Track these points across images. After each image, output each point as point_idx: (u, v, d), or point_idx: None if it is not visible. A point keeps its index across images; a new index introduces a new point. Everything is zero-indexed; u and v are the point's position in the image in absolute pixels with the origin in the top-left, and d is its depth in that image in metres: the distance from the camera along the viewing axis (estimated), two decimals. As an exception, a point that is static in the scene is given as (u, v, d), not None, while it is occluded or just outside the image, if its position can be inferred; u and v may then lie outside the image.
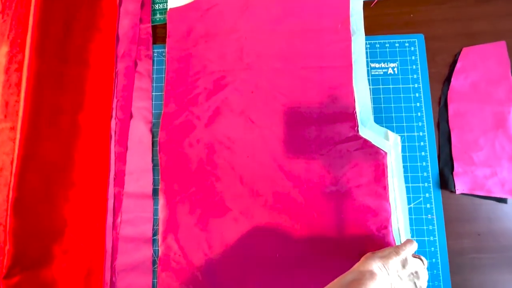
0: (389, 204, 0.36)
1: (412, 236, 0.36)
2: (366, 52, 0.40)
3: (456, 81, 0.39)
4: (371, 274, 0.26)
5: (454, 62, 0.39)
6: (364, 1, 0.42)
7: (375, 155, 0.37)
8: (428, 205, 0.37)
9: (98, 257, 0.38)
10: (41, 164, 0.39)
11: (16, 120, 0.42)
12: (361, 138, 0.37)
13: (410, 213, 0.37)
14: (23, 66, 0.40)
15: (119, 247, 0.38)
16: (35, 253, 0.38)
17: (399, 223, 0.36)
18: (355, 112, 0.38)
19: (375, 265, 0.27)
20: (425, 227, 0.36)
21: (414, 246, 0.30)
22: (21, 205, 0.38)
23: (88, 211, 0.39)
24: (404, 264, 0.28)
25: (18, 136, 0.39)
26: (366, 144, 0.37)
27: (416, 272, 0.28)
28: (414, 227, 0.36)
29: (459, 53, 0.40)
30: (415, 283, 0.28)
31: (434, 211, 0.37)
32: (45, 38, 0.41)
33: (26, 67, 0.40)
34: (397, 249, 0.29)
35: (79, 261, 0.38)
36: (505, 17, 0.40)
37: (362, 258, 0.29)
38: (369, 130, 0.38)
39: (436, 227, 0.36)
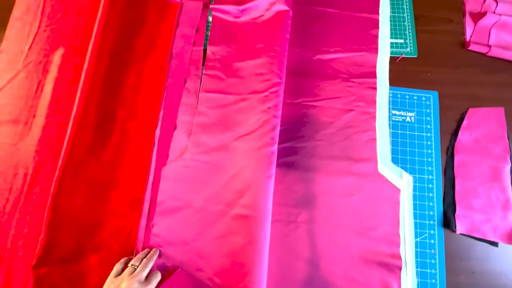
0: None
1: (416, 267, 0.41)
2: (389, 100, 0.47)
3: (462, 136, 0.46)
4: None
5: (461, 119, 0.46)
6: (390, 56, 0.48)
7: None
8: (432, 241, 0.42)
9: (127, 255, 0.40)
10: (86, 163, 0.42)
11: (64, 117, 0.45)
12: None
13: (416, 246, 0.41)
14: (81, 69, 0.44)
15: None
16: (67, 247, 0.40)
17: (407, 253, 0.40)
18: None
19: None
20: (428, 261, 0.41)
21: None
22: (61, 200, 0.40)
23: (125, 213, 0.42)
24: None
25: (68, 133, 0.42)
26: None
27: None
28: (418, 259, 0.41)
29: (465, 112, 0.47)
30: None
31: (437, 246, 0.42)
32: (105, 47, 0.45)
33: (85, 70, 0.44)
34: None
35: (109, 260, 0.40)
36: (506, 86, 0.47)
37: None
38: (386, 168, 0.43)
39: (437, 261, 0.41)
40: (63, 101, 0.46)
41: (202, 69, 0.48)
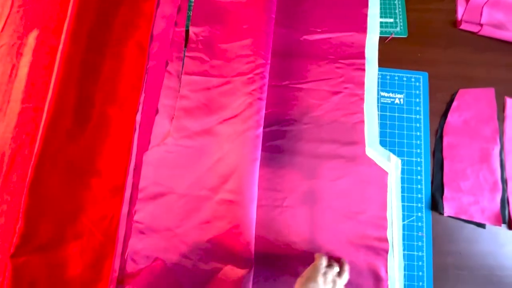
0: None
1: (404, 250, 0.40)
2: (378, 82, 0.45)
3: (452, 117, 0.45)
4: None
5: (451, 101, 0.45)
6: (379, 36, 0.47)
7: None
8: (419, 224, 0.41)
9: (110, 244, 0.40)
10: (64, 149, 0.40)
11: (40, 102, 0.43)
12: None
13: (403, 229, 0.41)
14: (57, 52, 0.42)
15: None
16: (46, 235, 0.39)
17: (394, 236, 0.40)
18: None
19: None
20: (415, 243, 0.41)
21: (323, 260, 0.34)
22: (38, 186, 0.39)
23: (106, 199, 0.40)
24: (324, 276, 0.32)
25: (43, 118, 0.40)
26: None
27: (335, 276, 0.33)
28: (406, 242, 0.41)
29: (455, 93, 0.45)
30: (334, 281, 0.32)
31: (424, 229, 0.41)
32: (82, 28, 0.43)
33: (59, 52, 0.42)
34: (316, 267, 0.33)
35: (91, 247, 0.39)
36: (498, 67, 0.46)
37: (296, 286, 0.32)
38: (374, 151, 0.43)
39: (424, 244, 0.41)
40: (39, 85, 0.44)
41: (184, 51, 0.46)
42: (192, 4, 0.48)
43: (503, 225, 0.41)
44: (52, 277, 0.38)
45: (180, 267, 0.39)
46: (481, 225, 0.41)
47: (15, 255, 0.37)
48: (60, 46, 0.42)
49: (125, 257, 0.39)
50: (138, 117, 0.43)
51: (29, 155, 0.41)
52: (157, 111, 0.44)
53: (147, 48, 0.45)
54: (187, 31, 0.47)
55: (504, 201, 0.42)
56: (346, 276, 0.34)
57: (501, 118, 0.45)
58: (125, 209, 0.40)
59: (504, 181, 0.43)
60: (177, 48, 0.46)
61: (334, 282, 0.32)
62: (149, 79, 0.44)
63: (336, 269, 0.34)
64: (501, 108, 0.45)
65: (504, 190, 0.42)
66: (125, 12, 0.46)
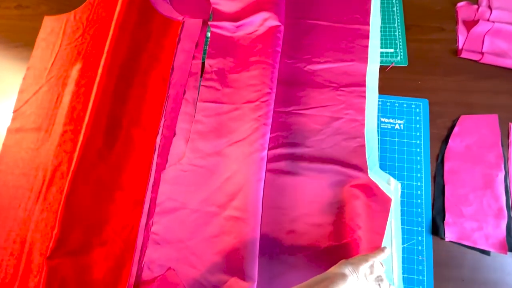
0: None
1: (403, 274, 0.41)
2: (378, 108, 0.48)
3: (453, 143, 0.46)
4: (343, 276, 0.30)
5: (452, 126, 0.46)
6: (380, 65, 0.50)
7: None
8: (419, 247, 0.42)
9: (129, 252, 0.44)
10: (95, 166, 0.47)
11: (78, 124, 0.50)
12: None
13: (403, 252, 0.42)
14: (94, 82, 0.49)
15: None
16: (77, 241, 0.44)
17: (393, 259, 0.41)
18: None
19: (347, 269, 0.31)
20: (415, 267, 0.41)
21: (383, 255, 0.34)
22: (73, 199, 0.45)
23: (127, 212, 0.46)
24: (371, 269, 0.33)
25: (80, 139, 0.47)
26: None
27: (380, 276, 0.33)
28: (405, 265, 0.41)
29: (457, 119, 0.47)
30: (379, 285, 0.33)
31: (424, 253, 0.42)
32: (115, 62, 0.51)
33: (96, 83, 0.49)
34: (367, 256, 0.34)
35: (113, 254, 0.44)
36: (499, 94, 0.47)
37: (337, 264, 0.33)
38: (374, 174, 0.45)
39: (425, 268, 0.41)
40: (78, 111, 0.51)
41: (200, 81, 0.52)
42: (209, 39, 0.54)
43: (509, 253, 0.41)
44: (79, 279, 0.43)
45: (189, 277, 0.43)
46: (486, 252, 0.41)
47: (51, 257, 0.43)
48: (97, 78, 0.49)
49: (142, 265, 0.44)
50: (158, 139, 0.49)
51: (66, 171, 0.48)
52: (174, 134, 0.49)
53: (168, 79, 0.51)
54: (203, 63, 0.53)
55: (510, 228, 0.42)
56: (386, 279, 0.34)
57: (505, 144, 0.45)
58: (143, 220, 0.45)
59: (510, 208, 0.42)
60: (194, 78, 0.52)
61: (380, 280, 0.33)
62: (168, 105, 0.50)
63: (382, 269, 0.34)
64: (505, 134, 0.45)
65: (510, 217, 0.42)
66: (151, 47, 0.53)
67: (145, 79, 0.52)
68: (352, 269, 0.32)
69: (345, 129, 0.47)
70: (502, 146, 0.45)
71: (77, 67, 0.54)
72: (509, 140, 0.45)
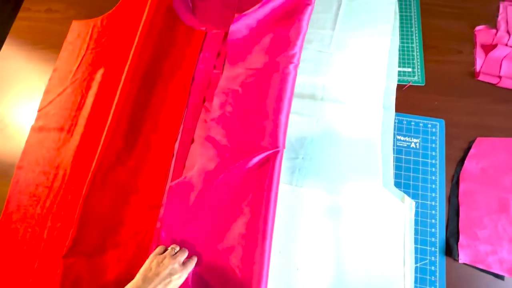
0: None
1: (415, 293, 0.41)
2: (394, 126, 0.48)
3: (469, 164, 0.46)
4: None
5: (469, 148, 0.47)
6: (398, 84, 0.50)
7: None
8: (432, 268, 0.42)
9: (141, 256, 0.45)
10: (114, 169, 0.48)
11: (100, 127, 0.52)
12: None
13: (416, 272, 0.42)
14: (117, 87, 0.51)
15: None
16: (92, 242, 0.45)
17: (405, 278, 0.41)
18: None
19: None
20: (427, 287, 0.41)
21: (159, 248, 0.41)
22: (91, 200, 0.46)
23: (142, 216, 0.47)
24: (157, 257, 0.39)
25: (101, 142, 0.48)
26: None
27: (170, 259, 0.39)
28: (418, 285, 0.41)
29: (473, 141, 0.47)
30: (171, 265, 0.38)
31: (437, 274, 0.42)
32: (138, 69, 0.52)
33: (120, 88, 0.51)
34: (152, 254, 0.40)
35: (126, 257, 0.45)
36: (516, 118, 0.47)
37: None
38: (389, 191, 0.45)
39: (437, 289, 0.41)
40: (100, 113, 0.53)
41: (219, 90, 0.53)
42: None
43: (523, 279, 0.40)
44: (92, 279, 0.44)
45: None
46: (500, 277, 0.41)
47: (66, 256, 0.44)
48: (121, 83, 0.51)
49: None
50: (177, 145, 0.50)
51: (86, 172, 0.49)
52: (192, 141, 0.50)
53: (189, 87, 0.53)
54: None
55: (525, 254, 0.41)
56: (193, 264, 0.41)
57: (521, 169, 0.45)
58: (158, 225, 0.46)
59: (525, 233, 0.42)
60: (213, 87, 0.53)
61: (168, 263, 0.38)
62: (188, 113, 0.52)
63: (174, 250, 0.41)
64: (521, 159, 0.45)
65: (525, 243, 0.42)
66: (174, 56, 0.55)
67: (167, 86, 0.53)
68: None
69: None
70: (518, 170, 0.45)
71: (101, 71, 0.56)
72: (526, 165, 0.45)
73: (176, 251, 0.41)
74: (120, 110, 0.50)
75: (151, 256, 0.40)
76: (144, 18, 0.54)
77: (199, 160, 0.47)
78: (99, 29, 0.60)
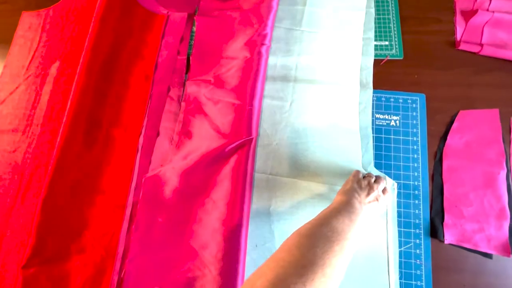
0: None
1: (400, 279, 0.39)
2: (373, 104, 0.45)
3: (452, 140, 0.43)
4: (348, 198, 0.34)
5: (451, 122, 0.44)
6: (375, 59, 0.47)
7: None
8: (417, 251, 0.40)
9: (109, 260, 0.42)
10: (74, 169, 0.44)
11: (57, 125, 0.48)
12: None
13: (400, 256, 0.39)
14: (73, 80, 0.47)
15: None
16: (54, 248, 0.42)
17: (390, 264, 0.39)
18: None
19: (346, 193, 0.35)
20: (413, 272, 0.39)
21: (357, 172, 0.38)
22: (50, 204, 0.42)
23: (108, 216, 0.43)
24: (359, 183, 0.36)
25: (58, 139, 0.44)
26: None
27: (372, 183, 0.37)
28: (403, 270, 0.39)
29: (456, 115, 0.44)
30: (371, 187, 0.36)
31: (423, 257, 0.39)
32: (95, 59, 0.48)
33: (75, 81, 0.46)
34: (350, 178, 0.38)
35: (93, 262, 0.42)
36: (499, 87, 0.45)
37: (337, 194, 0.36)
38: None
39: (423, 273, 0.39)
40: (57, 110, 0.49)
41: (185, 77, 0.49)
42: (194, 34, 0.51)
43: (512, 256, 0.38)
44: (56, 288, 0.41)
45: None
46: (488, 255, 0.39)
47: (26, 266, 0.41)
48: (76, 76, 0.47)
49: (122, 275, 0.41)
50: (141, 139, 0.46)
51: (44, 174, 0.45)
52: (158, 133, 0.47)
53: (152, 76, 0.49)
54: (188, 59, 0.50)
55: (513, 230, 0.39)
56: (390, 194, 0.38)
57: (507, 141, 0.42)
58: (125, 226, 0.43)
59: (512, 208, 0.40)
60: (178, 75, 0.49)
61: (371, 187, 0.36)
62: (152, 104, 0.48)
63: (373, 176, 0.38)
64: (507, 130, 0.43)
65: (513, 218, 0.40)
66: (133, 44, 0.50)
67: (127, 76, 0.49)
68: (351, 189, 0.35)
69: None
70: (504, 142, 0.42)
71: (56, 64, 0.52)
72: (511, 136, 0.43)
73: (373, 180, 0.38)
74: (76, 105, 0.45)
75: (349, 178, 0.38)
76: (98, 3, 0.50)
77: (172, 153, 0.44)
78: (52, 20, 0.55)
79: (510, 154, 0.42)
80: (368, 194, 0.35)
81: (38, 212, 0.42)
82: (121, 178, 0.45)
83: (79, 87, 0.46)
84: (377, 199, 0.36)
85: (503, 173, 0.41)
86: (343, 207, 0.32)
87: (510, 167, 0.41)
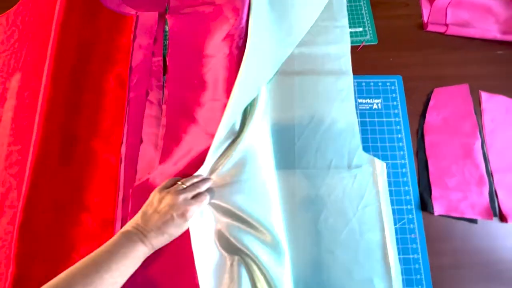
0: None
1: (399, 254, 0.40)
2: (354, 90, 0.46)
3: (430, 116, 0.46)
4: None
5: (428, 100, 0.46)
6: (351, 45, 0.48)
7: None
8: (411, 225, 0.41)
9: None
10: (52, 188, 0.41)
11: (25, 143, 0.44)
12: None
13: (396, 233, 0.41)
14: (39, 93, 0.43)
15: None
16: (40, 277, 0.38)
17: (388, 243, 0.40)
18: None
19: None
20: (409, 246, 0.41)
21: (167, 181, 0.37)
22: (28, 228, 0.39)
23: (96, 234, 0.40)
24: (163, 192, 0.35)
25: (29, 159, 0.40)
26: None
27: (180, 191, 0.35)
28: (400, 246, 0.40)
29: (431, 93, 0.47)
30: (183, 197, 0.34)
31: (416, 230, 0.41)
32: (61, 68, 0.44)
33: (42, 94, 0.43)
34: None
35: (84, 284, 0.39)
36: (467, 64, 0.48)
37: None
38: (358, 157, 0.43)
39: (419, 246, 0.40)
40: (24, 127, 0.44)
41: (163, 79, 0.47)
42: (168, 33, 0.49)
43: (494, 218, 0.41)
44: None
45: None
46: (473, 221, 0.42)
47: (10, 302, 0.37)
48: (42, 87, 0.43)
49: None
50: (123, 149, 0.43)
51: (17, 198, 0.41)
52: (141, 140, 0.44)
53: (127, 80, 0.46)
54: (164, 59, 0.48)
55: (492, 194, 0.42)
56: (205, 200, 0.36)
57: (478, 113, 0.45)
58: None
59: (489, 174, 0.43)
60: (156, 77, 0.47)
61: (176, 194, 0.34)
62: (131, 110, 0.45)
63: (182, 185, 0.35)
64: (477, 103, 0.46)
65: (491, 183, 0.43)
66: (103, 48, 0.47)
67: (100, 83, 0.46)
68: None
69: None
70: (476, 114, 0.45)
71: (17, 77, 0.47)
72: (481, 108, 0.46)
73: (184, 187, 0.35)
74: (46, 119, 0.42)
75: (155, 190, 0.36)
76: (57, 7, 0.46)
77: (158, 159, 0.42)
78: (6, 28, 0.50)
79: (482, 125, 0.45)
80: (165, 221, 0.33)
81: (16, 240, 0.38)
82: (106, 192, 0.42)
83: (46, 100, 0.42)
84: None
85: (478, 143, 0.44)
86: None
87: (483, 136, 0.45)
